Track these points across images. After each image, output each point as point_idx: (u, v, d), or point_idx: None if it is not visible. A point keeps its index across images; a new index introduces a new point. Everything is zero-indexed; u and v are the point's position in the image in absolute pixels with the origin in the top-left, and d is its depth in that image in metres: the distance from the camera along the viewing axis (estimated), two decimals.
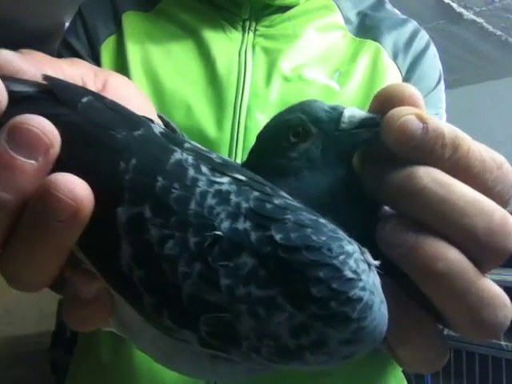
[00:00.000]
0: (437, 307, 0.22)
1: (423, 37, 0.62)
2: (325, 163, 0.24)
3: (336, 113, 0.25)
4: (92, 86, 0.26)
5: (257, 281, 0.19)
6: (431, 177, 0.22)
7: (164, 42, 0.57)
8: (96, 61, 0.56)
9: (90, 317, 0.24)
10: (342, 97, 0.55)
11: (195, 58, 0.55)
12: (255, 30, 0.57)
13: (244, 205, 0.20)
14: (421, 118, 0.22)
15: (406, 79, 0.58)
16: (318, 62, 0.56)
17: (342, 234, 0.20)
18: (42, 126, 0.19)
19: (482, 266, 0.22)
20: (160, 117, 0.31)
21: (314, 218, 0.20)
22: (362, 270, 0.19)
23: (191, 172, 0.20)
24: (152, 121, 0.23)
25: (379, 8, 0.63)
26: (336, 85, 0.55)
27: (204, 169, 0.20)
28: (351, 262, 0.19)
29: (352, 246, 0.20)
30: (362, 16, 0.62)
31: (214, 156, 0.22)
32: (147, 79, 0.54)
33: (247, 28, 0.57)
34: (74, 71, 0.25)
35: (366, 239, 0.21)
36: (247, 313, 0.19)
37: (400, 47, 0.59)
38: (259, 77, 0.54)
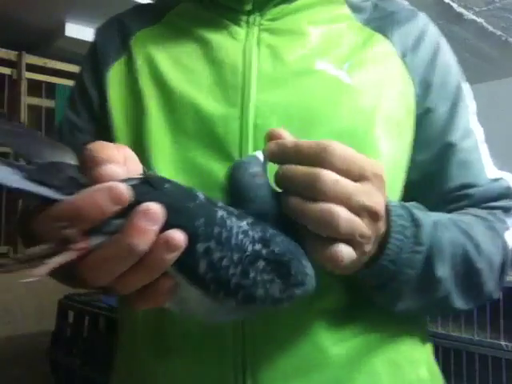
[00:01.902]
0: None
1: (432, 36, 0.60)
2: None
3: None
4: (121, 159, 0.37)
5: (263, 270, 0.36)
6: (293, 203, 0.38)
7: (172, 52, 0.58)
8: (99, 82, 0.61)
9: (160, 301, 0.36)
10: (352, 90, 0.54)
11: (202, 63, 0.56)
12: (260, 24, 0.57)
13: (256, 236, 0.36)
14: None
15: (426, 86, 0.57)
16: (325, 55, 0.55)
17: (298, 247, 0.38)
18: (158, 209, 0.32)
19: None
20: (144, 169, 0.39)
21: (288, 238, 0.38)
22: (306, 261, 0.38)
23: (228, 222, 0.36)
24: (195, 190, 0.37)
25: None
26: (346, 76, 0.54)
27: (233, 219, 0.36)
28: (303, 259, 0.38)
29: (302, 251, 0.38)
30: (373, 6, 0.60)
31: (231, 208, 0.37)
32: (157, 90, 0.56)
33: (251, 23, 0.57)
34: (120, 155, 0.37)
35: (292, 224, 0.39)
36: (260, 285, 0.36)
37: (408, 46, 0.58)
38: (266, 74, 0.54)
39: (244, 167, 0.40)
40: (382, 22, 0.59)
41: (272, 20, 0.57)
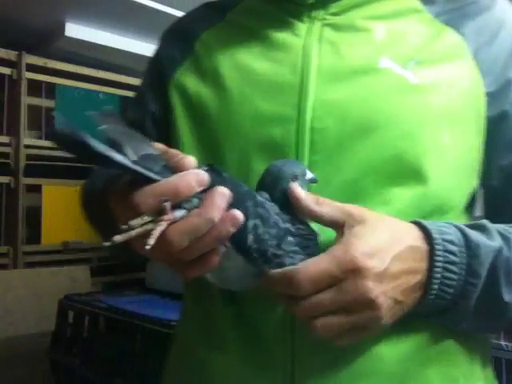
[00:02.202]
0: None
1: None
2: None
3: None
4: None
5: (290, 243, 0.44)
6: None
7: (233, 51, 0.57)
8: (162, 89, 0.62)
9: (206, 270, 0.42)
10: (418, 91, 0.50)
11: (262, 62, 0.55)
12: (323, 19, 0.54)
13: (284, 217, 0.45)
14: None
15: (503, 85, 0.53)
16: (390, 52, 0.52)
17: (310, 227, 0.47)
18: (227, 191, 0.40)
19: None
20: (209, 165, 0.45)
21: (303, 221, 0.47)
22: (316, 237, 0.47)
23: (266, 205, 0.44)
24: (238, 182, 0.45)
25: None
26: (411, 75, 0.50)
27: (268, 202, 0.44)
28: (316, 236, 0.46)
29: (315, 232, 0.47)
30: None
31: (262, 195, 0.46)
32: (218, 92, 0.56)
33: (314, 17, 0.55)
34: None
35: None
36: (288, 255, 0.43)
37: (483, 41, 0.53)
38: (326, 71, 0.52)
39: (291, 165, 0.47)
40: (454, 14, 0.54)
41: (335, 14, 0.54)
